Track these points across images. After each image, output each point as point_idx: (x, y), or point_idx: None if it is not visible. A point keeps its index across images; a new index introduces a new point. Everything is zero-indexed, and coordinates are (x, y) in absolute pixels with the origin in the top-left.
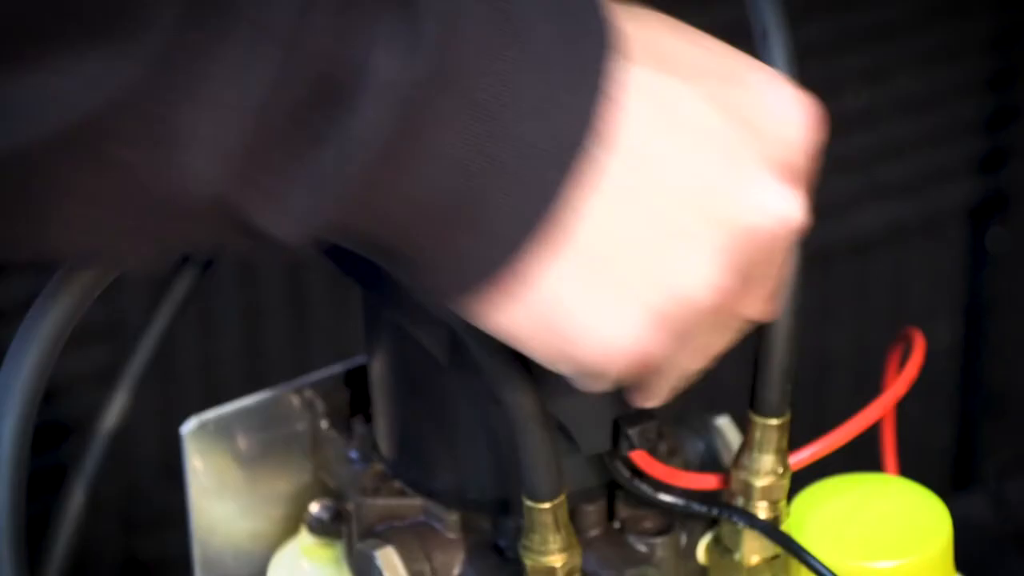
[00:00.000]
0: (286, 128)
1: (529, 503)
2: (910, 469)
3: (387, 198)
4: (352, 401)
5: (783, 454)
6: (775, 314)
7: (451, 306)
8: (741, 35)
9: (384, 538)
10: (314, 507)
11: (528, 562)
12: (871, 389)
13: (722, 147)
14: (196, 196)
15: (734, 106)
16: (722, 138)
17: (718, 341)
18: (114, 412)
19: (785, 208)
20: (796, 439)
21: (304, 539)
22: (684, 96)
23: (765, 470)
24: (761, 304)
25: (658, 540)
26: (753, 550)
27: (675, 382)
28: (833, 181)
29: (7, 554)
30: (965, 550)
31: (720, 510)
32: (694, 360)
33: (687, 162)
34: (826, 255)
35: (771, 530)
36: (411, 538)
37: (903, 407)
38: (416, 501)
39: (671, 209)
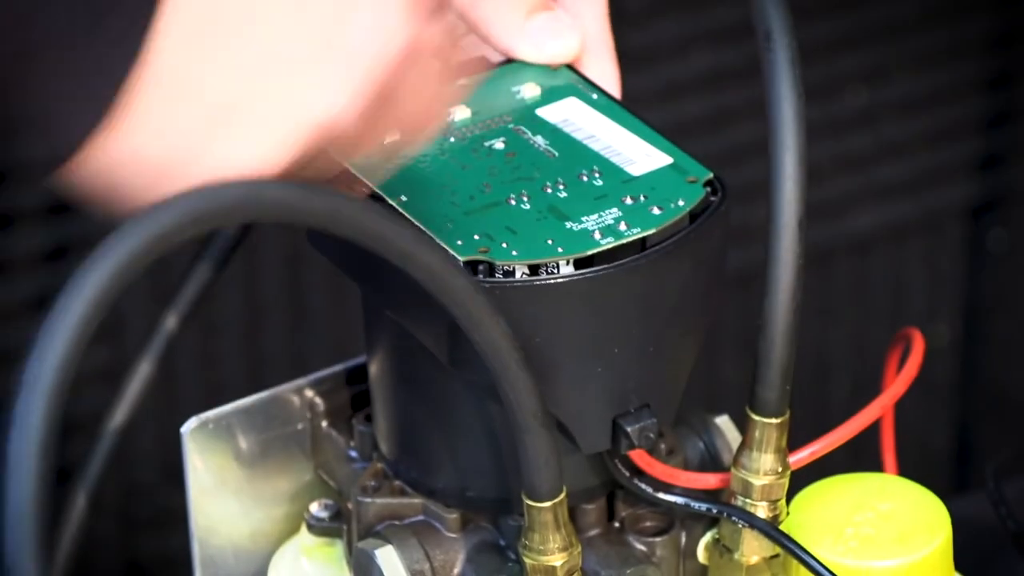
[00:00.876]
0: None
1: (529, 502)
2: (909, 469)
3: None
4: (352, 400)
5: (783, 453)
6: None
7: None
8: (741, 36)
9: (384, 537)
10: (314, 506)
11: (528, 561)
12: (871, 389)
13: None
14: None
15: None
16: None
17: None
18: (120, 415)
19: (388, 25)
20: (796, 438)
21: (304, 538)
22: None
23: (765, 469)
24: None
25: (658, 539)
26: (753, 549)
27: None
28: (833, 181)
29: (30, 552)
30: (964, 550)
31: (720, 509)
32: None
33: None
34: (826, 255)
35: (771, 529)
36: (411, 537)
37: (902, 407)
38: (416, 500)
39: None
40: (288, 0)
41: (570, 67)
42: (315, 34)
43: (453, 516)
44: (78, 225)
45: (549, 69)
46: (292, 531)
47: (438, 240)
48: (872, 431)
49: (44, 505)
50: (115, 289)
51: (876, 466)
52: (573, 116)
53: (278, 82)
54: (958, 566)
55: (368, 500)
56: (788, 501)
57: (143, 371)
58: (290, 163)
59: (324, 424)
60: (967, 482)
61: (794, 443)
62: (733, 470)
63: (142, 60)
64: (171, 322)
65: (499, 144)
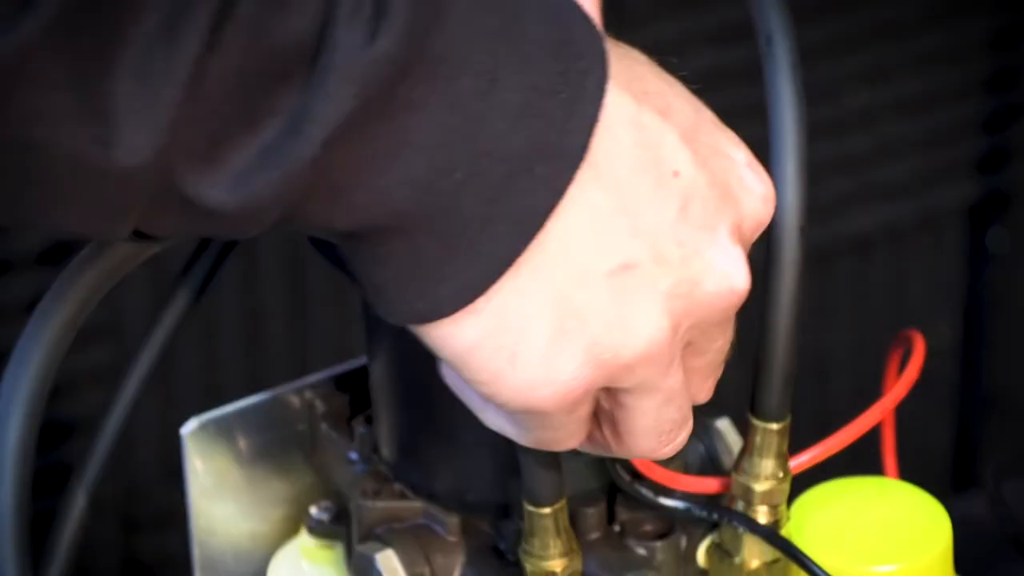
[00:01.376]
0: (223, 98)
1: (529, 507)
2: (909, 469)
3: (343, 182)
4: (352, 403)
5: (783, 458)
6: (708, 396)
7: (401, 317)
8: (741, 36)
9: (384, 540)
10: (314, 509)
11: (528, 566)
12: (871, 390)
13: (694, 199)
14: (127, 167)
15: (713, 165)
16: (696, 191)
17: (671, 414)
18: (117, 415)
19: (739, 277)
20: (796, 441)
21: (304, 540)
22: (667, 137)
23: (765, 474)
24: (697, 381)
25: (658, 544)
26: (753, 554)
27: (588, 440)
28: (833, 181)
29: (11, 555)
30: (964, 551)
31: (720, 514)
32: (642, 424)
33: (660, 204)
34: (826, 255)
35: (771, 535)
36: (411, 540)
37: (902, 408)
38: (416, 504)
39: (636, 249)
40: (668, 217)
41: None
42: (676, 262)
43: (453, 520)
44: None
45: None
46: (292, 533)
47: None
48: (872, 432)
49: (25, 513)
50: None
51: (876, 468)
52: None
53: (626, 306)
54: (958, 566)
55: (368, 503)
56: (788, 505)
57: (140, 370)
58: (591, 392)
59: (324, 426)
60: (967, 482)
61: (794, 444)
62: (734, 475)
63: (510, 268)
64: (168, 322)
65: None
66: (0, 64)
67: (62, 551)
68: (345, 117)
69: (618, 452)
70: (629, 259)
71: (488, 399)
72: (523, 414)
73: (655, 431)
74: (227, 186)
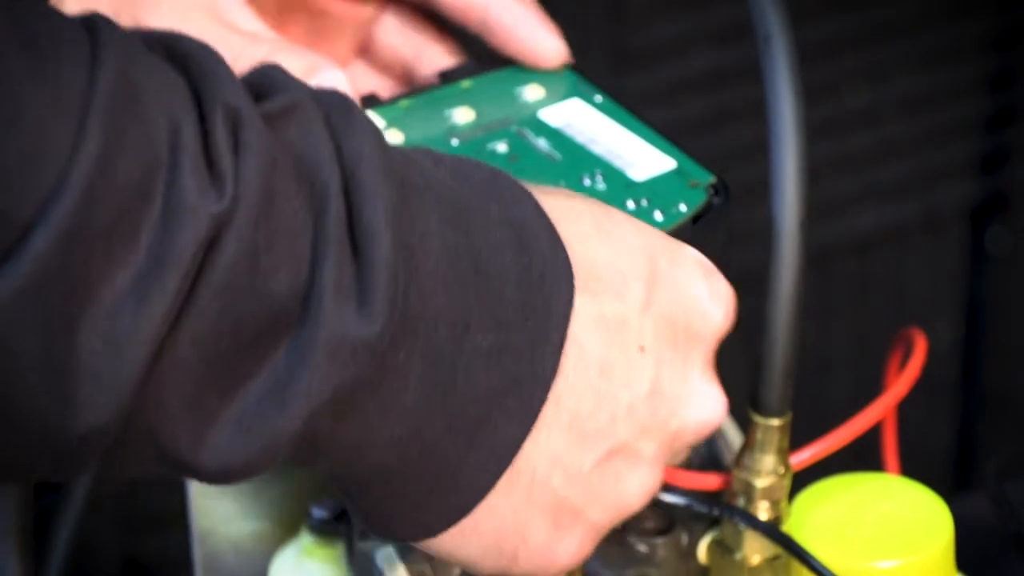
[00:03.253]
0: (198, 364)
1: None
2: (910, 469)
3: (326, 445)
4: None
5: (784, 454)
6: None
7: (390, 537)
8: (741, 36)
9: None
10: (315, 507)
11: None
12: (872, 389)
13: (663, 365)
14: (86, 424)
15: (674, 316)
16: (663, 356)
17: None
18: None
19: (717, 410)
20: (797, 439)
21: (305, 539)
22: (628, 316)
23: (766, 470)
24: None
25: (659, 540)
26: (754, 550)
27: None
28: (833, 181)
29: (11, 554)
30: (965, 550)
31: (721, 510)
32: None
33: (632, 384)
34: (826, 255)
35: (772, 530)
36: None
37: (903, 407)
38: None
39: (617, 435)
40: (642, 395)
41: (573, 68)
42: (656, 428)
43: None
44: None
45: (552, 70)
46: (293, 532)
47: None
48: (873, 431)
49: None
50: None
51: (877, 466)
52: (576, 118)
53: (615, 488)
54: (960, 566)
55: None
56: (790, 501)
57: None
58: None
59: None
60: (968, 482)
61: (795, 443)
62: (735, 470)
63: (509, 470)
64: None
65: (502, 147)
66: None
67: (60, 551)
68: (332, 392)
69: None
70: (612, 446)
71: None
72: None
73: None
74: (206, 449)
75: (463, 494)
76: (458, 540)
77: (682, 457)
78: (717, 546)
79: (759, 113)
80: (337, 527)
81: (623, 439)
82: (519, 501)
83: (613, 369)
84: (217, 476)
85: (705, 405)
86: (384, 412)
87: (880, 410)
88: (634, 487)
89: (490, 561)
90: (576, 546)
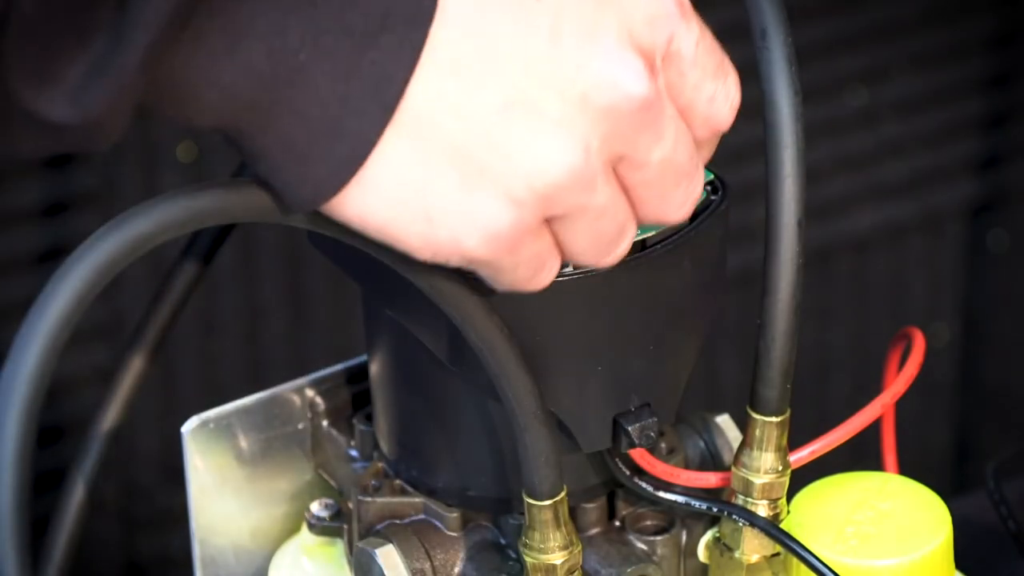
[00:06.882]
0: (45, 17)
1: (530, 501)
2: (909, 469)
3: (185, 83)
4: (352, 400)
5: (783, 452)
6: (681, 210)
7: (306, 204)
8: (741, 36)
9: (385, 536)
10: (315, 506)
11: (529, 560)
12: (871, 388)
13: (563, 17)
14: None
15: None
16: (563, 8)
17: (606, 227)
18: (114, 410)
19: (628, 80)
20: (796, 437)
21: (305, 538)
22: None
23: (765, 468)
24: (650, 195)
25: (658, 538)
26: (753, 548)
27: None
28: (833, 181)
29: (11, 554)
30: (965, 549)
31: (720, 508)
32: (582, 243)
33: (526, 33)
34: (826, 255)
35: (771, 528)
36: (412, 536)
37: (903, 406)
38: (417, 499)
39: (512, 84)
40: (539, 43)
41: None
42: (560, 83)
43: (454, 515)
44: (73, 226)
45: None
46: (293, 530)
47: None
48: (872, 430)
49: (24, 513)
50: (97, 285)
51: (876, 465)
52: None
53: (523, 148)
54: (958, 565)
55: (369, 499)
56: (788, 500)
57: (135, 367)
58: (524, 230)
59: (324, 423)
60: (967, 482)
61: (794, 442)
62: (734, 469)
63: (397, 110)
64: (161, 316)
65: None
66: None
67: (61, 551)
68: (166, 18)
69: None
70: (508, 96)
71: (433, 262)
72: (473, 267)
73: (594, 248)
74: (65, 101)
75: (349, 141)
76: (361, 201)
77: (620, 147)
78: (716, 544)
79: (759, 113)
80: (337, 526)
81: (521, 89)
82: (414, 148)
83: (501, 14)
84: (85, 127)
85: (616, 70)
86: (234, 41)
87: (879, 409)
88: (546, 151)
89: (404, 224)
90: (492, 207)
